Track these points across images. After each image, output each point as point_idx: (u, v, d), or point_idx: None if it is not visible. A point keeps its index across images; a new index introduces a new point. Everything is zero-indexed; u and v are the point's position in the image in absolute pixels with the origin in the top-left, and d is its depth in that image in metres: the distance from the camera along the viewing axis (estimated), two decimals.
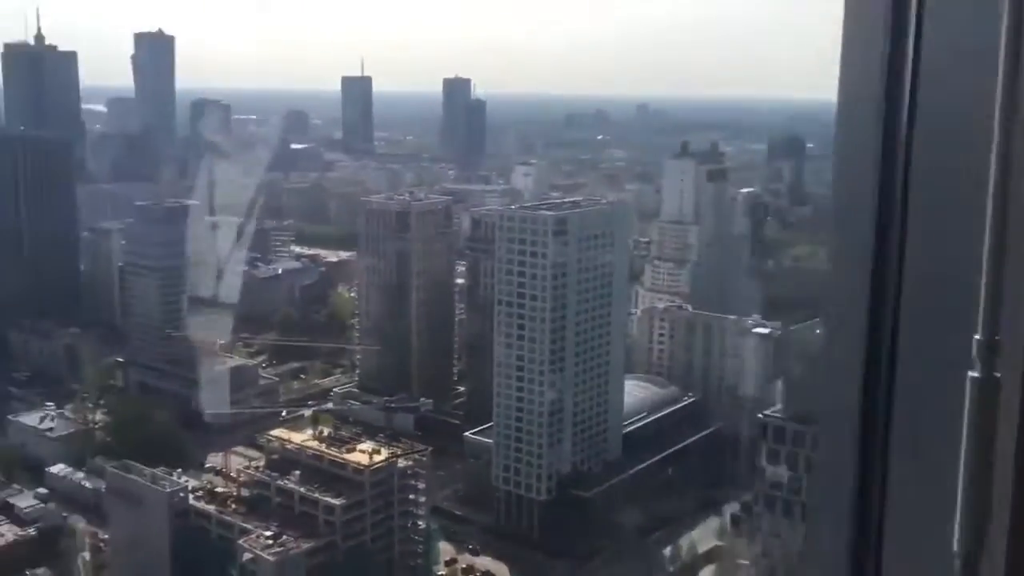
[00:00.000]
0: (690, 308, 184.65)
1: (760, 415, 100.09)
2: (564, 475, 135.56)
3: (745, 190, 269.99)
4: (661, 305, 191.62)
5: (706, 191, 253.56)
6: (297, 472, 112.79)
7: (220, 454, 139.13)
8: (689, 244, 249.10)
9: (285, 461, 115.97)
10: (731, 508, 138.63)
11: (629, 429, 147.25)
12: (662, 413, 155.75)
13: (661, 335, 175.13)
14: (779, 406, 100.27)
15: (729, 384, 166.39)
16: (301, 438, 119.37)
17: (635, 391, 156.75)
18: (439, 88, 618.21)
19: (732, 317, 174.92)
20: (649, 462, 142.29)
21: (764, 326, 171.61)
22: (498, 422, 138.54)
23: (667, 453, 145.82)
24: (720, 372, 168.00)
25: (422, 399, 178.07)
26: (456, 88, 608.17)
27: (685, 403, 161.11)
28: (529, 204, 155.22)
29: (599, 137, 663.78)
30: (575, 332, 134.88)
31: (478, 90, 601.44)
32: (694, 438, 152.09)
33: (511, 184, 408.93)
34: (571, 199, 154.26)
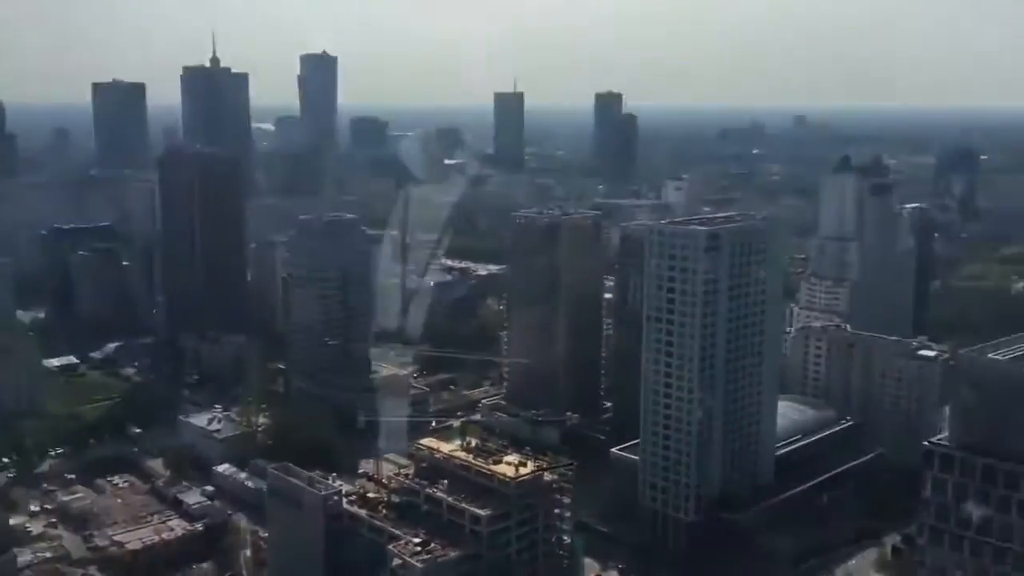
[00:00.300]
0: (849, 328, 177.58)
1: (925, 442, 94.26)
2: (713, 496, 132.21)
3: (911, 205, 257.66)
4: (818, 324, 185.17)
5: (868, 206, 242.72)
6: (445, 481, 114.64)
7: (372, 460, 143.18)
8: (849, 261, 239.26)
9: (434, 470, 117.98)
10: (892, 539, 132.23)
11: (782, 451, 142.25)
12: (818, 436, 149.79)
13: (817, 355, 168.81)
14: (946, 433, 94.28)
15: (890, 408, 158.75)
16: (449, 448, 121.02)
17: (789, 412, 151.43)
18: (590, 102, 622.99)
19: (895, 338, 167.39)
20: (803, 486, 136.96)
21: (930, 348, 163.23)
22: (645, 439, 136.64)
23: (823, 478, 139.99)
24: (881, 395, 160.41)
25: (568, 413, 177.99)
26: (607, 102, 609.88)
27: (843, 426, 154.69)
28: (680, 219, 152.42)
29: (754, 151, 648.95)
30: (726, 350, 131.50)
31: (630, 104, 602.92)
32: (852, 463, 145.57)
33: (662, 199, 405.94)
34: (724, 214, 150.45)
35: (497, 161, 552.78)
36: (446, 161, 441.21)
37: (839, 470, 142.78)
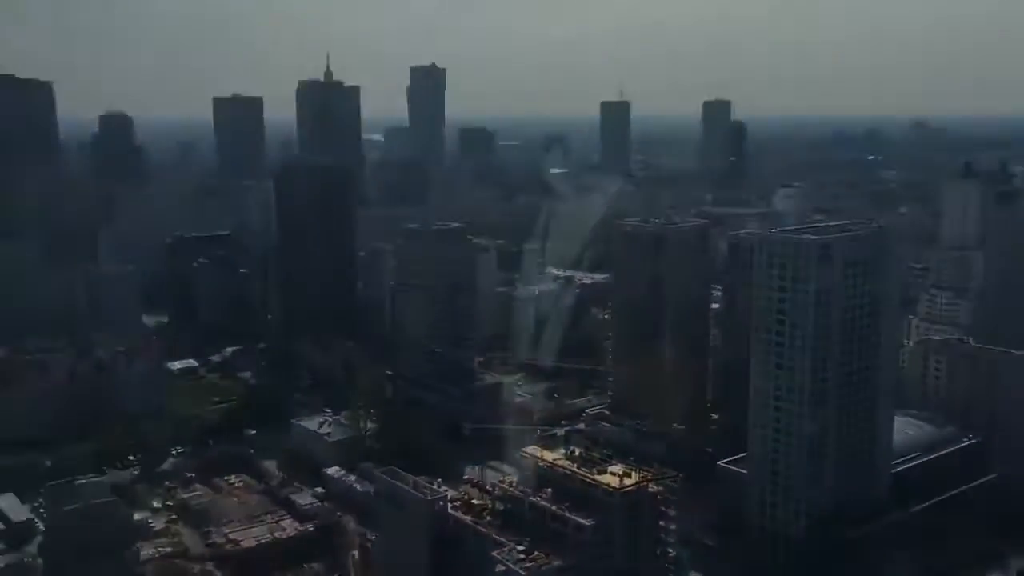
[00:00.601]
0: (971, 341, 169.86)
1: None
2: (824, 513, 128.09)
3: None
4: (938, 337, 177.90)
5: (994, 214, 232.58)
6: (549, 490, 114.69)
7: (476, 467, 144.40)
8: (972, 272, 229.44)
9: (538, 478, 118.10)
10: (1018, 563, 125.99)
11: (899, 469, 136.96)
12: (937, 454, 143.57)
13: (937, 369, 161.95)
14: None
15: (1017, 426, 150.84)
16: (553, 456, 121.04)
17: (906, 428, 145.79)
18: (699, 110, 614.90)
19: (1022, 352, 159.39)
20: (922, 505, 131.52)
21: None
22: (753, 453, 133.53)
23: (942, 497, 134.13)
24: (1006, 412, 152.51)
25: (674, 424, 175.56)
26: (715, 110, 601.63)
27: (964, 444, 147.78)
28: (791, 228, 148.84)
29: (869, 157, 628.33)
30: (839, 363, 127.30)
31: (739, 113, 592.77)
32: (975, 483, 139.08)
33: (772, 207, 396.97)
34: (837, 223, 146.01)
35: (603, 170, 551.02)
36: (552, 170, 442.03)
37: (961, 489, 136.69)
